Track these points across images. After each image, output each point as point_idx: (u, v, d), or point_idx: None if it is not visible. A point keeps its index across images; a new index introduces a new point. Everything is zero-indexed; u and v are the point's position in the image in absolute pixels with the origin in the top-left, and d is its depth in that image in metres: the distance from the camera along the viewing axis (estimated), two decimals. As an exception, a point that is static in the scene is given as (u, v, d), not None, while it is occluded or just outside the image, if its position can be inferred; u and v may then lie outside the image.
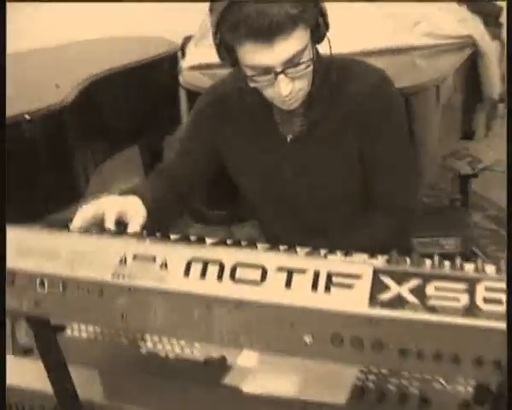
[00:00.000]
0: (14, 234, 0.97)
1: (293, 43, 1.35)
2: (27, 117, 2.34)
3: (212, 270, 0.81)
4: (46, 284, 0.92)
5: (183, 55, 3.16)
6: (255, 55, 1.37)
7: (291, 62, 1.38)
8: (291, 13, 1.32)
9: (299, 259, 0.79)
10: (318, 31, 1.41)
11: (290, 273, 0.78)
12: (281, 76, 1.39)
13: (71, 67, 2.98)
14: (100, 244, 0.90)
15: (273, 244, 1.10)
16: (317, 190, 1.59)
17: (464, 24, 3.01)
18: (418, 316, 0.72)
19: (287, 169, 1.60)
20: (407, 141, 1.60)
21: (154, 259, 0.85)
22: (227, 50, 1.42)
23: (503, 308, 0.70)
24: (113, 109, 2.87)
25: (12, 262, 0.95)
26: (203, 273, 0.81)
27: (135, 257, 0.86)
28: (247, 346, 0.79)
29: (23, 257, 0.95)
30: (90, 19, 3.51)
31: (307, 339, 0.76)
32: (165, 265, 0.84)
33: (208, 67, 2.74)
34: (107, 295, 0.87)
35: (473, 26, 3.02)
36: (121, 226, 1.30)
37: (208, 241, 0.88)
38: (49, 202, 2.46)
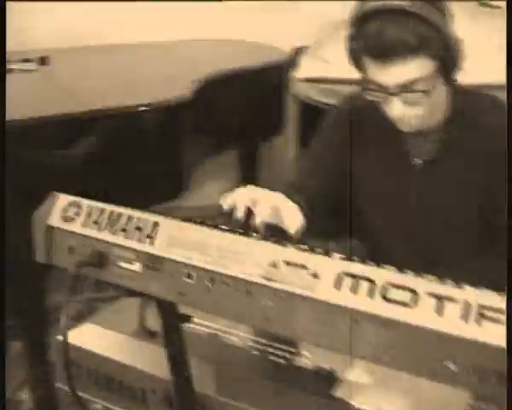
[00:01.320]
0: (165, 224, 1.02)
1: (409, 70, 1.39)
2: (144, 108, 2.43)
3: (363, 286, 0.84)
4: (194, 276, 0.97)
5: (295, 65, 3.20)
6: (372, 70, 1.43)
7: (405, 87, 1.41)
8: (410, 41, 1.36)
9: (447, 287, 0.81)
10: (447, 64, 1.43)
11: (441, 300, 0.80)
12: (394, 97, 1.43)
13: (188, 64, 3.06)
14: (251, 245, 0.94)
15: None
16: (438, 218, 1.60)
17: None
18: None
19: (411, 194, 1.61)
20: None
21: (305, 267, 0.89)
22: (354, 57, 1.47)
23: None
24: (222, 110, 2.93)
25: (161, 251, 1.01)
26: (354, 288, 0.85)
27: (286, 262, 0.90)
28: (390, 365, 0.82)
29: (172, 247, 1.00)
30: (205, 19, 3.60)
31: (451, 366, 0.78)
32: (315, 274, 0.87)
33: (322, 80, 2.78)
34: (254, 295, 0.91)
35: None
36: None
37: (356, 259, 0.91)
38: (155, 192, 2.54)
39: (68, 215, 1.11)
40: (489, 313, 0.78)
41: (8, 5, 3.38)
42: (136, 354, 1.36)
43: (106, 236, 1.06)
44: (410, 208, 1.62)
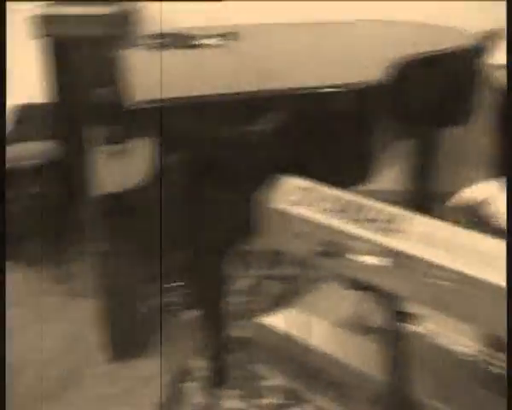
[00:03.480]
0: (412, 219, 0.96)
1: None
2: (334, 90, 2.36)
3: None
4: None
5: (488, 50, 3.01)
6: None
7: None
8: None
9: None
10: None
11: None
12: None
13: (374, 47, 2.98)
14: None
15: None
16: None
17: None
18: None
19: None
20: None
21: None
22: None
23: None
24: (414, 95, 2.83)
25: (409, 247, 0.94)
26: None
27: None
28: None
29: (422, 244, 0.93)
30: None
31: None
32: None
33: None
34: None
35: None
36: None
37: None
38: (341, 175, 2.47)
39: (295, 199, 1.07)
40: None
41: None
42: (343, 345, 1.31)
43: (339, 224, 1.01)
44: None
